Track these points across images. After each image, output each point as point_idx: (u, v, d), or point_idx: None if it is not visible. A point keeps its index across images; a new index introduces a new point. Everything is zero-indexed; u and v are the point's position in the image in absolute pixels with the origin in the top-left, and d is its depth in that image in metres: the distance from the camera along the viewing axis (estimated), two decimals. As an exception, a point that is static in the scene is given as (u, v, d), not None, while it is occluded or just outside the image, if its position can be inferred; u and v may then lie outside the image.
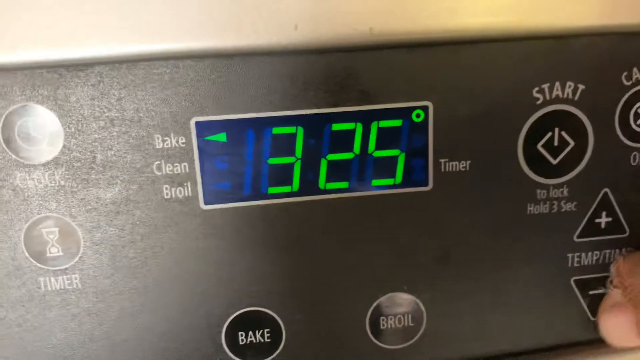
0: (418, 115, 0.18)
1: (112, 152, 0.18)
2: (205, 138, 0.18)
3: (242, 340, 0.20)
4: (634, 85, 0.19)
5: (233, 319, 0.20)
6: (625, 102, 0.19)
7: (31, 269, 0.18)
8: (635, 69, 0.19)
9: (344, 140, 0.18)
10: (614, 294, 0.20)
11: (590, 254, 0.21)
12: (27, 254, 0.18)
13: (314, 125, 0.18)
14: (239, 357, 0.20)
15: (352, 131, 0.18)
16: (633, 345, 0.20)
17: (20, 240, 0.18)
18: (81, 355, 0.19)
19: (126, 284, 0.19)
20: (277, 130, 0.18)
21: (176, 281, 0.19)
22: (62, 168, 0.18)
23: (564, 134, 0.19)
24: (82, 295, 0.19)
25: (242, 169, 0.18)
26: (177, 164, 0.18)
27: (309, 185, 0.19)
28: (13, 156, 0.17)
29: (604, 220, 0.21)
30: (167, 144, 0.18)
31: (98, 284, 0.19)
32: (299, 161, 0.18)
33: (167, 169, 0.18)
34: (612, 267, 0.21)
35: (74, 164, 0.18)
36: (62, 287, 0.19)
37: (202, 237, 0.19)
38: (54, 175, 0.18)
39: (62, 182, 0.18)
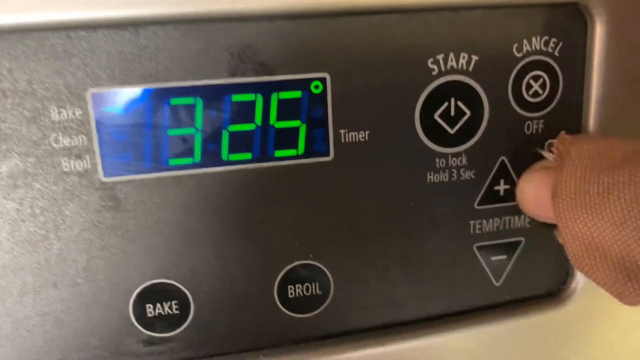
0: (317, 87, 0.19)
1: (7, 125, 0.17)
2: (103, 109, 0.18)
3: (150, 312, 0.20)
4: (524, 56, 0.20)
5: (140, 291, 0.20)
6: (517, 73, 0.20)
7: None
8: (525, 41, 0.20)
9: (244, 112, 0.19)
10: (545, 161, 0.20)
11: (490, 220, 0.22)
12: None
13: (214, 96, 0.18)
14: (147, 330, 0.20)
15: (253, 102, 0.19)
16: (540, 213, 0.20)
17: None
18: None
19: (27, 258, 0.19)
20: (175, 101, 0.18)
21: (79, 254, 0.19)
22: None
23: (460, 104, 0.20)
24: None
25: (141, 140, 0.18)
26: (74, 136, 0.18)
27: (211, 156, 0.19)
28: None
29: (502, 187, 0.21)
30: (63, 116, 0.18)
31: (3, 257, 0.18)
32: (200, 132, 0.19)
33: (65, 141, 0.18)
34: (559, 137, 0.20)
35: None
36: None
37: (104, 210, 0.19)
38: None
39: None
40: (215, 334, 0.20)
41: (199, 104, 0.18)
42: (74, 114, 0.18)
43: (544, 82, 0.21)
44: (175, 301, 0.20)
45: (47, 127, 0.18)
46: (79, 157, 0.18)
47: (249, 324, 0.21)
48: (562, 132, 0.20)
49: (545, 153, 0.20)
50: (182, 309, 0.20)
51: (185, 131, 0.18)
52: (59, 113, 0.18)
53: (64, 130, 0.18)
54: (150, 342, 0.20)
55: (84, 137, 0.18)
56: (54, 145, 0.18)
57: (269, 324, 0.21)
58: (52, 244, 0.19)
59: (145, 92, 0.18)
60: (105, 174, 0.18)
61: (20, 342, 0.19)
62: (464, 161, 0.21)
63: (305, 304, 0.21)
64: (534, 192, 0.20)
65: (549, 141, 0.21)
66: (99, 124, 0.18)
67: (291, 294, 0.21)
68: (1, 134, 0.17)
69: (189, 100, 0.18)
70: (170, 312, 0.20)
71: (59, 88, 0.17)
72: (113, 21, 0.17)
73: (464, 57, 0.20)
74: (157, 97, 0.18)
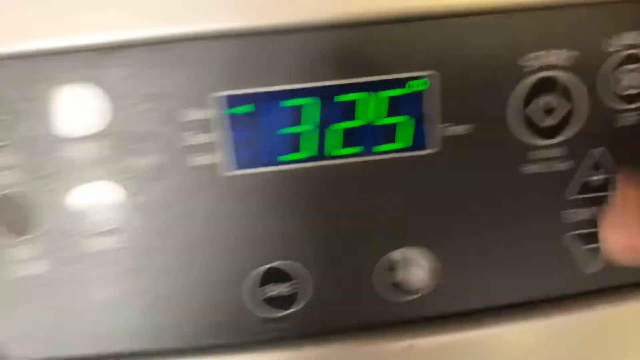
0: (425, 84, 0.20)
1: (149, 125, 0.20)
2: (228, 111, 0.20)
3: (269, 293, 0.22)
4: (617, 51, 0.21)
5: (260, 273, 0.22)
6: (610, 67, 0.21)
7: (80, 230, 0.21)
8: (616, 36, 0.21)
9: (353, 109, 0.21)
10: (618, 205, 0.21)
11: (584, 210, 0.23)
12: (73, 217, 0.21)
13: (324, 97, 0.20)
14: (265, 309, 0.22)
15: (362, 100, 0.20)
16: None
17: (69, 204, 0.21)
18: (124, 309, 0.22)
19: (163, 243, 0.21)
20: (292, 102, 0.20)
21: (207, 240, 0.21)
22: (107, 140, 0.20)
23: (554, 98, 0.21)
24: (126, 254, 0.21)
25: (260, 138, 0.20)
26: (203, 135, 0.20)
27: (324, 151, 0.21)
28: (63, 129, 0.20)
29: (595, 178, 0.22)
30: (194, 117, 0.20)
31: (139, 244, 0.21)
32: (315, 129, 0.21)
33: (195, 139, 0.20)
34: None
35: (117, 136, 0.20)
36: (109, 247, 0.21)
37: (228, 200, 0.21)
38: (101, 146, 0.20)
39: (108, 152, 0.20)
40: (327, 314, 0.22)
41: (311, 104, 0.20)
42: (203, 115, 0.20)
43: (638, 75, 0.21)
44: (292, 282, 0.22)
45: (179, 127, 0.20)
46: (207, 153, 0.20)
47: (354, 305, 0.23)
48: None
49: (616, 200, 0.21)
50: (299, 290, 0.22)
51: (302, 128, 0.20)
52: (191, 114, 0.20)
53: (195, 129, 0.20)
54: (267, 320, 0.22)
55: (211, 135, 0.20)
56: (186, 142, 0.20)
57: (370, 306, 0.23)
58: (184, 231, 0.21)
59: (265, 95, 0.20)
60: (230, 169, 0.21)
61: (155, 319, 0.22)
62: (559, 152, 0.22)
63: (410, 286, 0.23)
64: (621, 243, 0.20)
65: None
66: (225, 124, 0.20)
67: (397, 276, 0.22)
68: (141, 133, 0.20)
69: (301, 101, 0.20)
70: (285, 292, 0.22)
71: (192, 92, 0.20)
72: (241, 31, 0.19)
73: (557, 54, 0.21)
74: (274, 99, 0.20)
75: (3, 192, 0.20)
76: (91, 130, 0.20)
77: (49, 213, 0.21)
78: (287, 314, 0.22)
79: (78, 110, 0.20)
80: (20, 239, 0.21)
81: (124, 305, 0.22)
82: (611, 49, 0.21)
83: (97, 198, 0.21)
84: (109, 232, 0.21)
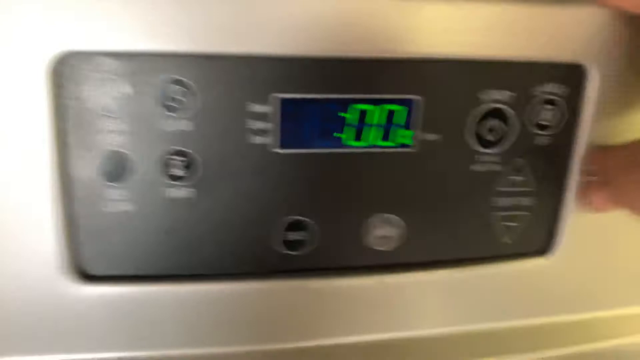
0: (412, 103, 0.30)
1: (225, 112, 0.28)
2: (283, 108, 0.29)
3: (290, 237, 0.31)
4: (542, 94, 0.31)
5: (285, 223, 0.31)
6: (536, 104, 0.31)
7: (162, 182, 0.29)
8: (543, 85, 0.31)
9: (365, 116, 0.30)
10: (590, 180, 0.32)
11: (508, 198, 0.33)
12: (162, 173, 0.29)
13: (346, 105, 0.29)
14: (286, 249, 0.31)
15: (371, 110, 0.30)
16: (610, 209, 0.31)
17: (159, 163, 0.29)
18: (186, 242, 0.30)
19: (222, 196, 0.30)
20: (324, 106, 0.29)
21: (252, 197, 0.30)
22: (191, 119, 0.28)
23: (497, 122, 0.31)
24: (193, 203, 0.30)
25: (301, 128, 0.29)
26: (263, 123, 0.29)
27: (341, 142, 0.30)
28: (161, 108, 0.28)
29: (517, 178, 0.33)
30: (258, 109, 0.29)
31: (205, 196, 0.29)
32: (337, 126, 0.30)
33: (254, 125, 0.29)
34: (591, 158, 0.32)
35: (200, 117, 0.28)
36: (181, 196, 0.29)
37: (272, 171, 0.30)
38: (186, 123, 0.28)
39: (191, 128, 0.28)
40: (328, 256, 0.32)
41: (338, 108, 0.29)
42: (265, 109, 0.29)
43: (553, 112, 0.32)
44: (305, 231, 0.31)
45: (248, 115, 0.29)
46: (263, 135, 0.29)
47: (347, 252, 0.32)
48: (594, 151, 0.32)
49: (590, 178, 0.32)
50: (309, 237, 0.31)
51: (328, 124, 0.30)
52: (256, 107, 0.29)
53: (257, 117, 0.29)
54: (286, 257, 0.32)
55: (269, 124, 0.29)
56: (251, 127, 0.29)
57: (358, 253, 0.32)
58: (238, 188, 0.30)
59: (304, 100, 0.29)
60: (277, 147, 0.29)
61: (206, 251, 0.31)
62: (496, 158, 0.32)
63: (385, 241, 0.33)
64: (599, 201, 0.31)
65: (584, 168, 0.32)
66: (279, 115, 0.29)
67: (377, 233, 0.32)
68: (216, 117, 0.28)
69: (330, 106, 0.29)
70: (301, 238, 0.31)
71: (259, 92, 0.28)
72: (293, 57, 0.28)
73: (502, 92, 0.31)
74: (310, 103, 0.29)
75: (111, 149, 0.28)
76: (183, 111, 0.28)
77: (141, 167, 0.29)
78: (300, 254, 0.32)
79: (175, 96, 0.28)
80: (115, 184, 0.29)
81: (186, 239, 0.30)
82: (535, 94, 0.31)
83: (177, 160, 0.29)
84: (182, 186, 0.29)
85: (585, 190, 0.33)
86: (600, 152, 0.31)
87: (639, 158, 0.29)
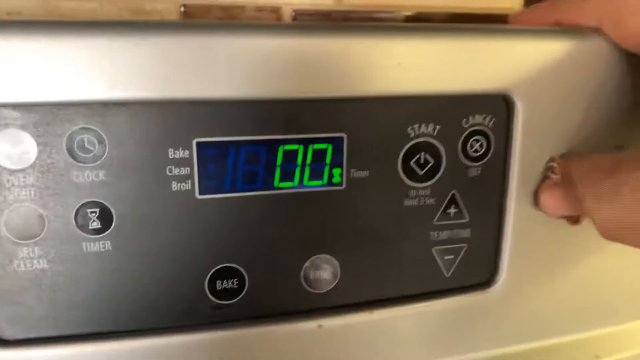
0: (338, 141, 0.29)
1: (140, 159, 0.27)
2: (203, 152, 0.28)
3: (219, 286, 0.30)
4: (469, 127, 0.31)
5: (213, 271, 0.29)
6: (465, 137, 0.31)
7: (77, 236, 0.27)
8: (470, 116, 0.31)
9: (291, 156, 0.29)
10: (553, 178, 0.32)
11: (445, 232, 0.33)
12: (76, 227, 0.27)
13: (271, 146, 0.28)
14: (216, 298, 0.30)
15: (296, 150, 0.29)
16: (562, 214, 0.32)
17: (72, 216, 0.27)
18: (107, 299, 0.28)
19: (143, 246, 0.28)
20: (248, 148, 0.28)
21: (174, 247, 0.29)
22: (104, 169, 0.27)
23: (427, 156, 0.31)
24: (112, 256, 0.28)
25: (224, 172, 0.28)
26: (182, 168, 0.28)
27: (267, 184, 0.29)
28: (71, 159, 0.26)
29: (452, 210, 0.32)
30: (176, 155, 0.27)
31: (123, 248, 0.28)
32: (262, 168, 0.29)
33: (175, 171, 0.28)
34: (556, 160, 0.32)
35: (113, 166, 0.27)
36: (98, 250, 0.28)
37: (196, 218, 0.28)
38: (98, 173, 0.27)
39: (104, 178, 0.27)
40: (262, 302, 0.30)
41: (263, 150, 0.28)
42: (183, 154, 0.27)
43: (482, 143, 0.31)
44: (236, 279, 0.30)
45: (165, 162, 0.27)
46: (183, 181, 0.28)
47: (281, 296, 0.31)
48: (558, 157, 0.32)
49: (552, 174, 0.32)
50: (240, 284, 0.30)
51: (253, 167, 0.29)
52: (174, 153, 0.27)
53: (175, 164, 0.27)
54: (218, 307, 0.30)
55: (188, 168, 0.28)
56: (168, 173, 0.28)
57: (293, 297, 0.31)
58: (158, 240, 0.28)
59: (229, 142, 0.28)
60: (200, 193, 0.28)
61: (130, 306, 0.29)
62: (428, 192, 0.31)
63: (320, 283, 0.31)
64: (555, 202, 0.31)
65: (549, 164, 0.32)
66: (198, 160, 0.28)
67: (312, 275, 0.31)
68: (137, 165, 0.27)
69: (256, 147, 0.28)
70: (232, 286, 0.30)
71: (176, 137, 0.27)
72: (207, 100, 0.27)
73: (430, 126, 0.30)
74: (237, 146, 0.28)
75: (17, 205, 0.26)
76: (93, 162, 0.27)
77: (53, 222, 0.27)
78: (232, 303, 0.30)
79: (84, 145, 0.26)
80: (27, 242, 0.27)
81: (108, 295, 0.28)
82: (464, 126, 0.31)
83: (91, 213, 0.27)
84: (99, 239, 0.28)
85: (543, 189, 0.32)
86: (564, 161, 0.31)
87: (600, 167, 0.28)
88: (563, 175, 0.31)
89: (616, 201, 0.27)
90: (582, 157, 0.31)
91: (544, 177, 0.32)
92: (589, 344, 0.39)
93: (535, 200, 0.33)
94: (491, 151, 0.32)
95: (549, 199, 0.32)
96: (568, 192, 0.31)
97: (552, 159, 0.32)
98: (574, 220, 0.33)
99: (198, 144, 0.28)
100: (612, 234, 0.28)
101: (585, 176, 0.29)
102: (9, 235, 0.27)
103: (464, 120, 0.31)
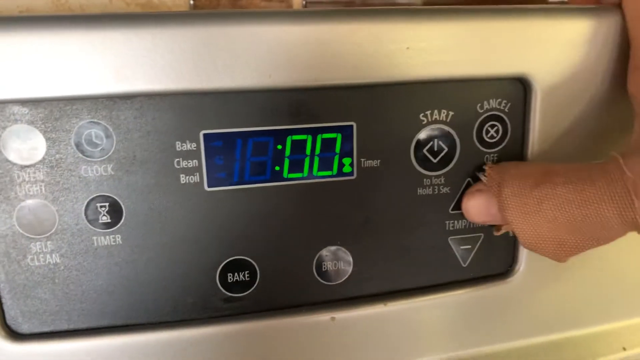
0: (347, 130, 0.29)
1: (147, 153, 0.27)
2: (210, 144, 0.27)
3: (230, 279, 0.29)
4: (485, 112, 0.30)
5: (224, 264, 0.29)
6: (480, 123, 0.30)
7: (88, 230, 0.27)
8: (485, 101, 0.30)
9: (300, 146, 0.28)
10: (478, 184, 0.30)
11: (461, 221, 0.32)
12: (87, 221, 0.27)
13: (279, 137, 0.28)
14: (228, 291, 0.30)
15: (305, 140, 0.28)
16: (483, 221, 0.31)
17: (82, 211, 0.27)
18: (118, 291, 0.29)
19: (152, 240, 0.28)
20: (255, 139, 0.28)
21: (184, 240, 0.28)
22: (112, 163, 0.27)
23: (440, 143, 0.30)
24: (123, 249, 0.28)
25: (232, 164, 0.28)
26: (190, 160, 0.27)
27: (276, 175, 0.29)
28: (79, 154, 0.26)
29: (467, 199, 0.31)
30: (184, 148, 0.27)
31: (134, 241, 0.28)
32: (270, 159, 0.28)
33: (184, 164, 0.27)
34: (487, 165, 0.30)
35: (121, 160, 0.27)
36: (109, 244, 0.28)
37: (205, 210, 0.28)
38: (107, 167, 0.27)
39: (113, 172, 0.27)
40: (274, 295, 0.30)
41: (271, 141, 0.28)
42: (191, 146, 0.27)
43: (498, 129, 0.30)
44: (247, 271, 0.30)
45: (173, 154, 0.27)
46: (192, 174, 0.28)
47: (293, 289, 0.30)
48: (489, 163, 0.30)
49: (482, 177, 0.30)
50: (251, 277, 0.30)
51: (262, 159, 0.28)
52: (182, 146, 0.27)
53: (184, 156, 0.27)
54: (229, 300, 0.30)
55: (196, 161, 0.27)
56: (176, 166, 0.27)
57: (305, 289, 0.31)
58: (170, 232, 0.28)
59: (238, 133, 0.27)
60: (208, 186, 0.28)
61: (141, 299, 0.29)
62: (443, 181, 0.31)
63: (333, 275, 0.31)
64: (477, 208, 0.30)
65: (484, 167, 0.30)
66: (206, 153, 0.27)
67: (324, 267, 0.31)
68: (144, 159, 0.27)
69: (265, 139, 0.28)
70: (243, 278, 0.30)
71: (183, 129, 0.27)
72: (217, 89, 0.27)
73: (443, 112, 0.30)
74: (245, 137, 0.28)
75: (28, 201, 0.27)
76: (101, 156, 0.27)
77: (64, 217, 0.27)
78: (244, 295, 0.30)
79: (92, 140, 0.26)
80: (39, 236, 0.27)
81: (119, 288, 0.29)
82: (480, 111, 0.30)
83: (101, 207, 0.27)
84: (110, 233, 0.28)
85: (466, 193, 0.31)
86: (494, 166, 0.30)
87: (529, 176, 0.28)
88: (490, 181, 0.29)
89: (539, 214, 0.27)
90: (513, 165, 0.30)
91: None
92: (615, 335, 0.37)
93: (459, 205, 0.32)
94: (507, 137, 0.31)
95: (471, 205, 0.30)
96: (491, 200, 0.29)
97: (484, 163, 0.31)
98: (497, 229, 0.32)
99: (205, 135, 0.27)
100: (532, 245, 0.28)
101: (511, 186, 0.28)
102: (22, 231, 0.27)
103: (479, 105, 0.30)
